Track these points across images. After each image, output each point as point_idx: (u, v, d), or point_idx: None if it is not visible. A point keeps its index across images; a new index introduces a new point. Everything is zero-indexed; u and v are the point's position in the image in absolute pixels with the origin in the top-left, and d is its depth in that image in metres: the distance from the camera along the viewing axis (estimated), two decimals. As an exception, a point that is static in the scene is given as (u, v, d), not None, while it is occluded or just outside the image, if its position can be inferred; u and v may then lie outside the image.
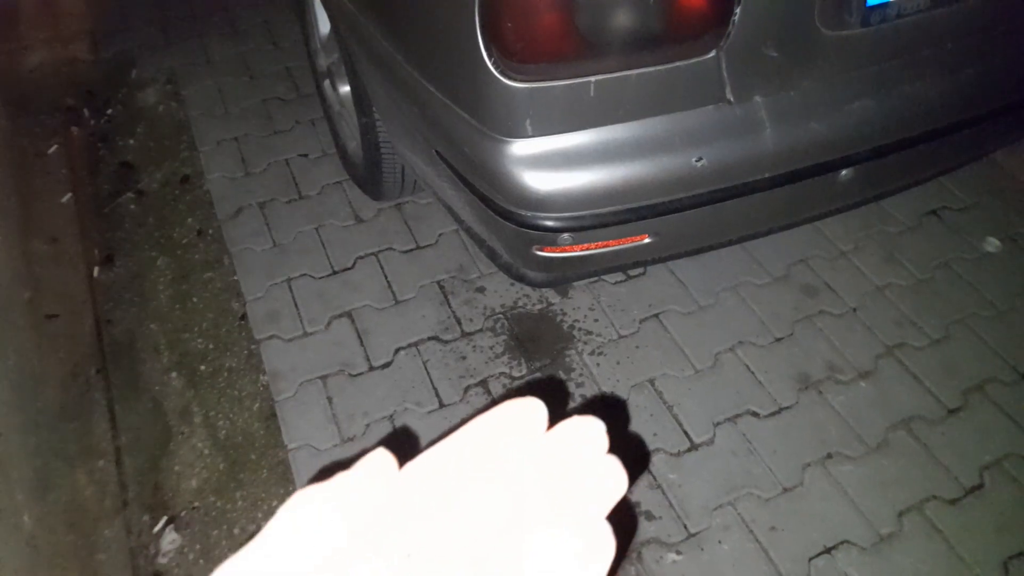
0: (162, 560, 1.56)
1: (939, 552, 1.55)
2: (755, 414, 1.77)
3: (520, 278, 1.58)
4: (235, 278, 2.06)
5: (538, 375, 1.84)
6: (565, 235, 1.33)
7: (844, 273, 2.07)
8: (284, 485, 1.65)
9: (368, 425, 1.75)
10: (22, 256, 2.08)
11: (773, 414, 1.77)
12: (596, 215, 1.32)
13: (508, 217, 1.33)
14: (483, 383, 1.83)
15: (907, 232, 2.18)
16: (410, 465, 0.25)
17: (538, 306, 1.99)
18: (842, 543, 1.56)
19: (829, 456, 1.69)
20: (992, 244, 2.14)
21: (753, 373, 1.85)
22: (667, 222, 1.36)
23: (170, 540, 1.58)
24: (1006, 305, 2.00)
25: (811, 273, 2.07)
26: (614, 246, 1.39)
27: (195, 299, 2.03)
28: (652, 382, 1.83)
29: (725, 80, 1.27)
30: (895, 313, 1.98)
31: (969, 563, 1.54)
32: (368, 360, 1.87)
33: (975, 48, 1.49)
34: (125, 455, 1.73)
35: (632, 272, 2.05)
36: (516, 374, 1.84)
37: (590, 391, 1.81)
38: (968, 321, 1.96)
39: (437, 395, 1.80)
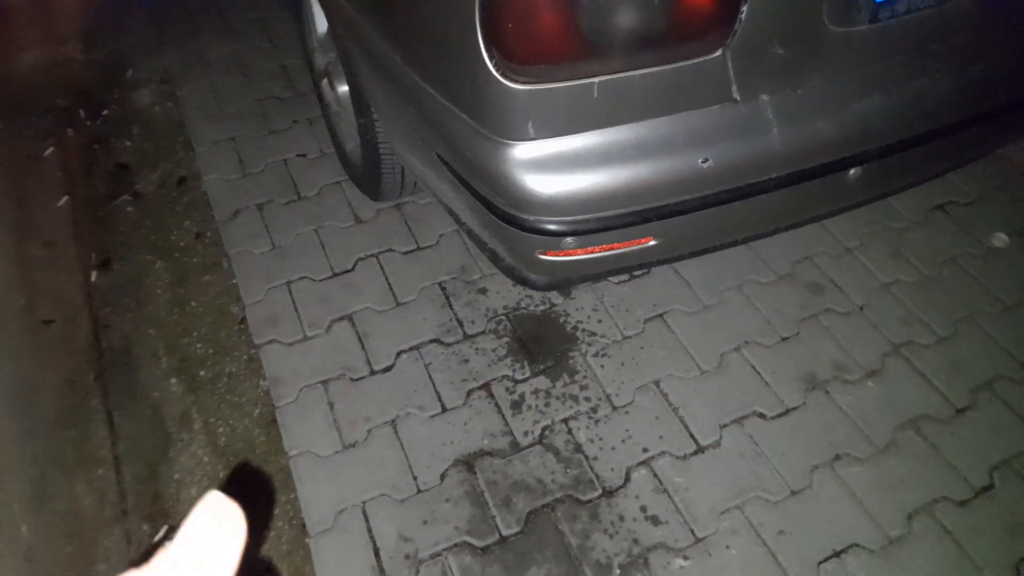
0: (163, 570, 1.54)
1: (950, 554, 1.53)
2: (762, 415, 1.75)
3: (523, 281, 1.55)
4: (234, 281, 2.04)
5: (541, 377, 1.82)
6: (569, 239, 1.30)
7: (850, 270, 2.05)
8: (285, 493, 1.63)
9: (370, 431, 1.72)
10: (17, 261, 2.05)
11: (780, 415, 1.75)
12: (600, 218, 1.29)
13: (510, 221, 1.30)
14: (486, 386, 1.80)
15: (913, 228, 2.15)
16: None
17: (541, 307, 1.96)
18: (851, 546, 1.54)
19: (837, 458, 1.67)
20: (1000, 239, 2.11)
21: (759, 373, 1.82)
22: (672, 224, 1.34)
23: (171, 550, 1.56)
24: (1014, 301, 1.97)
25: (817, 271, 2.05)
26: (619, 249, 1.37)
27: (193, 303, 2.00)
28: (657, 383, 1.81)
29: (731, 79, 1.24)
30: (902, 311, 1.95)
31: (980, 565, 1.52)
32: (369, 364, 1.85)
33: (984, 43, 1.46)
34: (124, 463, 1.71)
35: (636, 272, 2.02)
36: (519, 377, 1.82)
37: (595, 394, 1.79)
38: (976, 318, 1.94)
39: (440, 399, 1.78)
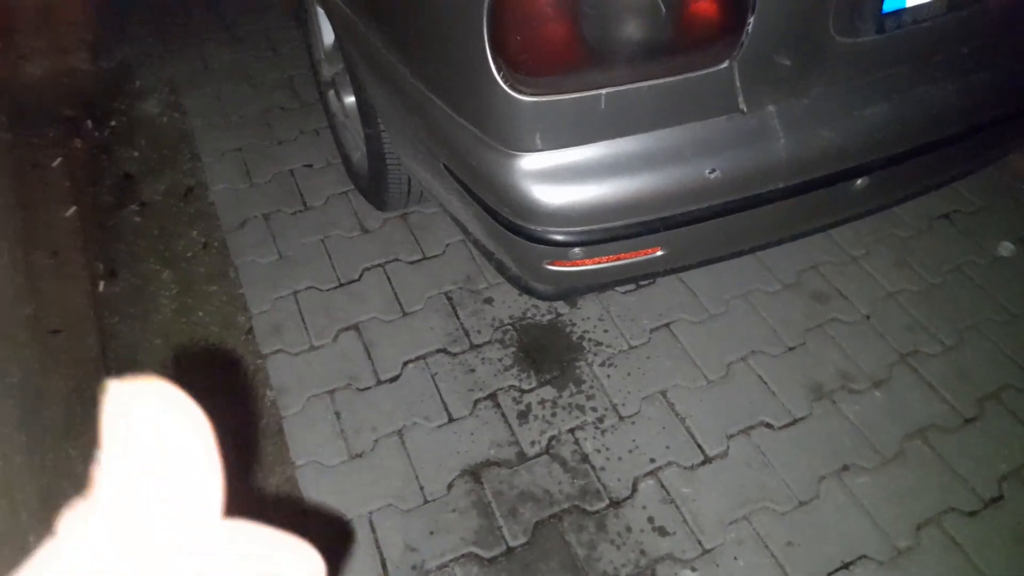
0: (169, 581, 1.54)
1: (958, 566, 1.53)
2: (769, 425, 1.74)
3: (529, 291, 1.55)
4: (240, 291, 2.04)
5: (547, 387, 1.82)
6: (576, 249, 1.31)
7: (855, 279, 2.04)
8: (292, 503, 1.63)
9: (376, 440, 1.72)
10: (24, 270, 2.06)
11: (787, 425, 1.75)
12: (607, 229, 1.30)
13: (517, 232, 1.31)
14: (492, 396, 1.80)
15: (918, 236, 2.15)
16: None
17: (547, 317, 1.96)
18: (860, 558, 1.54)
19: (845, 468, 1.67)
20: (1006, 248, 2.11)
21: (766, 383, 1.82)
22: (680, 235, 1.34)
23: (177, 560, 1.56)
24: (1020, 310, 1.97)
25: (822, 279, 2.04)
26: (626, 259, 1.37)
27: (200, 312, 2.01)
28: (664, 393, 1.80)
29: (738, 90, 1.25)
30: (908, 319, 1.95)
31: (989, 577, 1.51)
32: (376, 374, 1.85)
33: (990, 52, 1.47)
34: (131, 473, 1.70)
35: (642, 281, 2.02)
36: (525, 387, 1.82)
37: (601, 404, 1.78)
38: (982, 327, 1.93)
39: (446, 409, 1.78)
